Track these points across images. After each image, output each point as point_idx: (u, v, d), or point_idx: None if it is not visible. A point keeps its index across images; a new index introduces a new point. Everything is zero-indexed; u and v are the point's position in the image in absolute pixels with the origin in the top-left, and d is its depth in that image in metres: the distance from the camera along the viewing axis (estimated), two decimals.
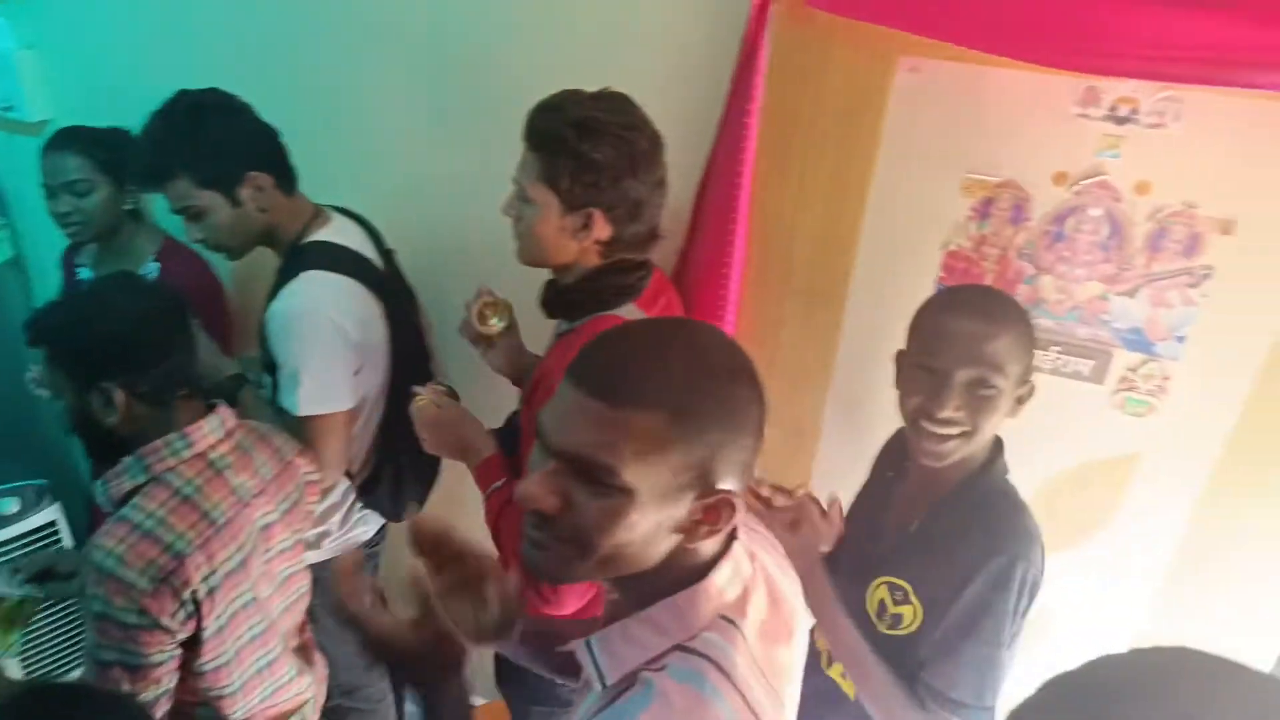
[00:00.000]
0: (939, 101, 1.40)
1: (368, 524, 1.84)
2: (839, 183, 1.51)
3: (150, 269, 1.98)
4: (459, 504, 2.01)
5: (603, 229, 1.26)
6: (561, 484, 0.73)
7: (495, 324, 1.51)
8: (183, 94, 1.48)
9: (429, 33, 1.72)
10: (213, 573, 1.25)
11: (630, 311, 1.33)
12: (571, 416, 0.72)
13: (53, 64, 2.20)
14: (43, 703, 0.87)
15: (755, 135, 1.41)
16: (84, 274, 2.07)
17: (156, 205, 2.10)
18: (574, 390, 0.72)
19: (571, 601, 1.28)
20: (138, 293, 1.27)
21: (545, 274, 1.38)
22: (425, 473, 1.84)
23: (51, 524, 2.25)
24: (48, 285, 2.46)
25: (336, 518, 1.76)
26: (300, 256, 1.55)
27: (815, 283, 1.59)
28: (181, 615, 1.22)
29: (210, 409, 1.32)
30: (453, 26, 1.70)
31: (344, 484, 1.74)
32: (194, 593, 1.22)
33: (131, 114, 1.97)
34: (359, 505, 1.80)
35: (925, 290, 1.46)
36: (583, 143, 1.20)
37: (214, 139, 1.47)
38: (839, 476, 1.46)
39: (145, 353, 1.23)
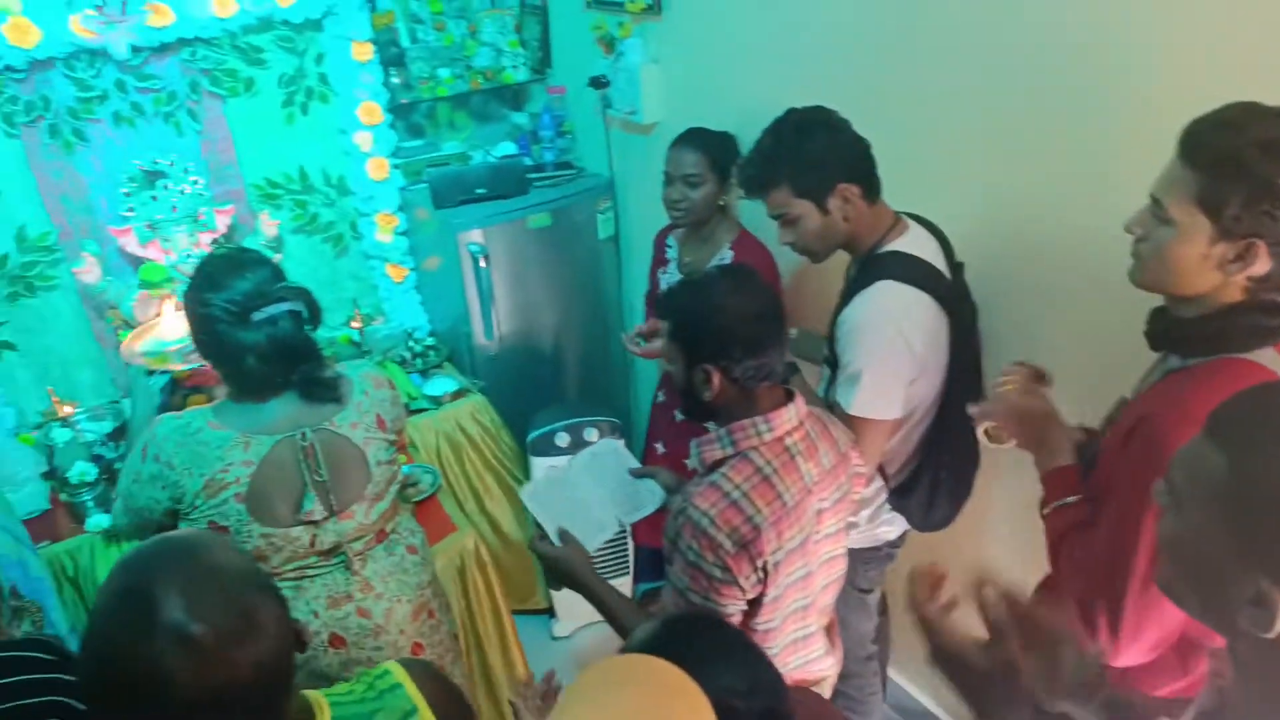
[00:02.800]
0: None
1: (892, 525, 1.89)
2: None
3: (725, 255, 2.25)
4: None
5: (1263, 263, 1.10)
6: None
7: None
8: (791, 112, 1.63)
9: (1014, 35, 1.65)
10: (779, 548, 1.39)
11: (1268, 357, 1.15)
12: None
13: (668, 76, 2.59)
14: (691, 627, 1.01)
15: None
16: (671, 253, 2.43)
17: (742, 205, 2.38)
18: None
19: (1139, 651, 1.17)
20: (754, 294, 1.41)
21: (1136, 299, 1.25)
22: (960, 490, 1.82)
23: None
24: (636, 259, 2.95)
25: (866, 512, 1.83)
26: (878, 265, 1.62)
27: None
28: (754, 579, 1.38)
29: (788, 397, 1.46)
30: (1038, 27, 1.60)
31: (878, 482, 1.80)
32: (764, 562, 1.37)
33: (726, 119, 2.26)
34: (888, 506, 1.85)
35: None
36: (1267, 166, 1.04)
37: (815, 154, 1.59)
38: None
39: (745, 348, 1.37)
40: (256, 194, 2.78)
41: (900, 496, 1.82)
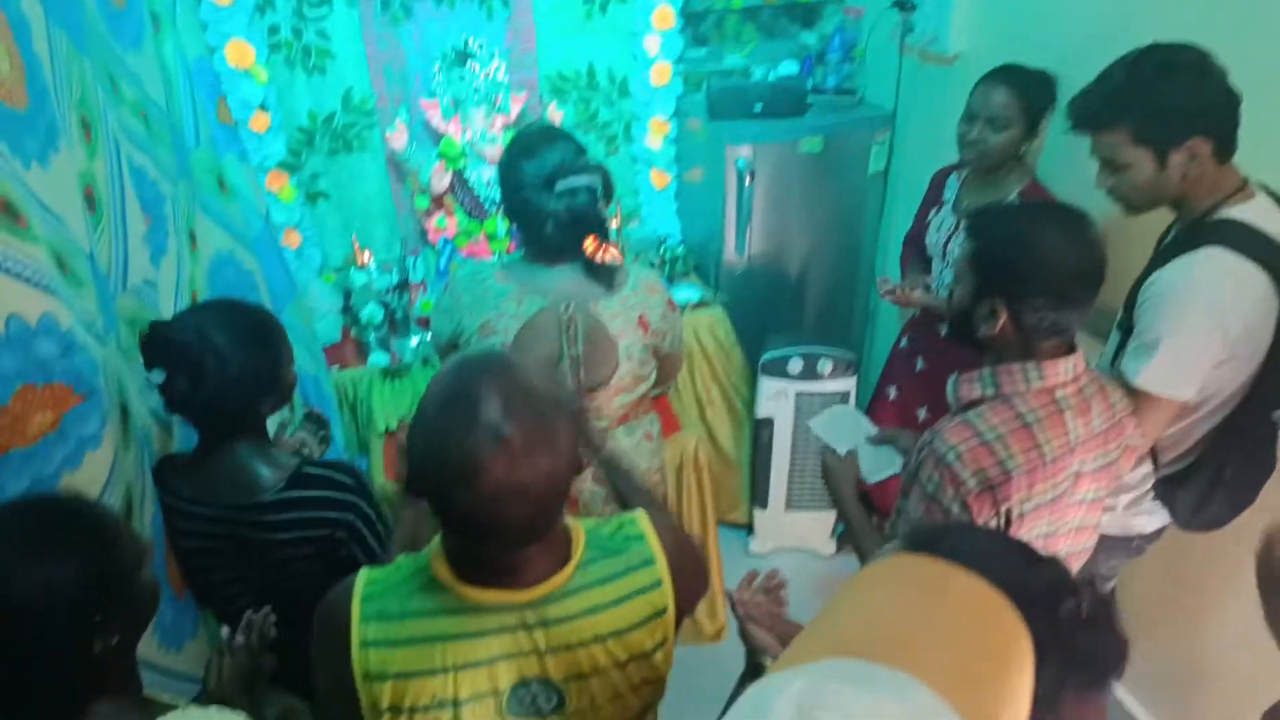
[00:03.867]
0: None
1: (1152, 516, 1.73)
2: None
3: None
4: None
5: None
6: None
7: None
8: (1156, 48, 1.43)
9: None
10: (1028, 499, 1.31)
11: None
12: None
13: (980, 3, 2.40)
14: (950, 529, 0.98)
15: None
16: (948, 194, 2.30)
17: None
18: None
19: None
20: (1083, 247, 1.28)
21: None
22: (1243, 495, 1.62)
23: (845, 393, 2.68)
24: (904, 197, 2.83)
25: (1125, 498, 1.69)
26: (1208, 230, 1.44)
27: None
28: (993, 524, 1.32)
29: (1070, 350, 1.35)
30: None
31: (1146, 467, 1.65)
32: (1008, 509, 1.31)
33: (1044, 57, 2.06)
34: (1151, 495, 1.70)
35: None
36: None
37: (1173, 101, 1.40)
38: None
39: (1051, 299, 1.26)
40: (547, 85, 2.92)
41: (1170, 487, 1.66)
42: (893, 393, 2.55)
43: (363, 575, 1.04)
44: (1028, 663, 0.61)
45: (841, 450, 1.65)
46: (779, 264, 2.92)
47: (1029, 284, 1.27)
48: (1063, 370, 1.32)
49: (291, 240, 2.66)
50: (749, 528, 2.98)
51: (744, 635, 1.26)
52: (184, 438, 1.56)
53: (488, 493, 0.87)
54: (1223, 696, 2.02)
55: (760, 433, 2.76)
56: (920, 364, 2.46)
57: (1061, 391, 1.33)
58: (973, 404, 1.36)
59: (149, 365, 1.27)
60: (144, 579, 1.05)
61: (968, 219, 1.41)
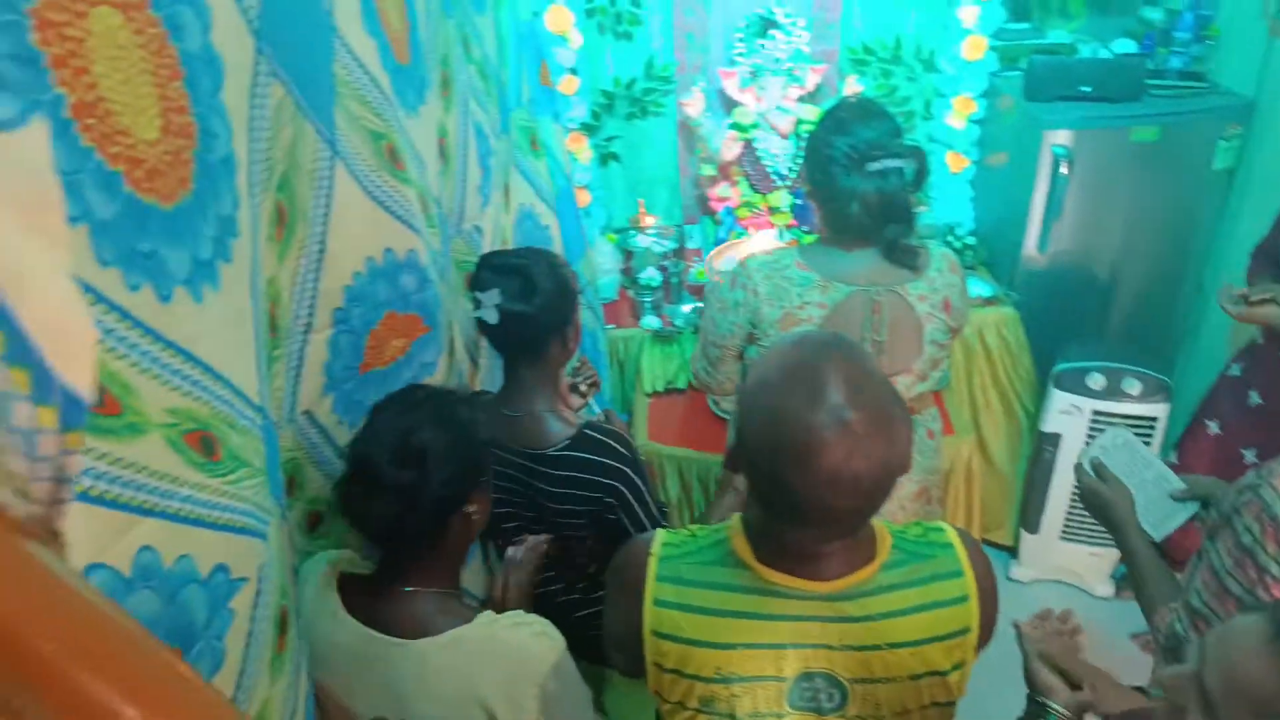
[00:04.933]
0: None
1: None
2: None
3: None
4: None
5: None
6: None
7: None
8: None
9: None
10: None
11: None
12: None
13: None
14: None
15: None
16: None
17: None
18: None
19: None
20: None
21: None
22: None
23: (1153, 419, 2.37)
24: (1255, 201, 2.44)
25: None
26: None
27: None
28: None
29: None
30: None
31: None
32: None
33: None
34: None
35: None
36: None
37: None
38: None
39: None
40: (848, 57, 2.82)
41: None
42: (1214, 427, 2.23)
43: (660, 535, 1.06)
44: None
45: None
46: (1087, 266, 2.63)
47: None
48: None
49: (581, 199, 2.79)
50: (1013, 550, 2.75)
51: (1028, 672, 1.15)
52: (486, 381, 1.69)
53: (821, 477, 0.84)
54: None
55: (1043, 449, 2.52)
56: (1254, 398, 2.12)
57: None
58: None
59: (482, 289, 1.37)
60: (492, 466, 1.21)
61: None
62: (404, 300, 1.20)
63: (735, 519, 1.03)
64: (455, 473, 1.07)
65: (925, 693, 0.99)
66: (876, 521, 1.02)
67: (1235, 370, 2.23)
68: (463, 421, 1.11)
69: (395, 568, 1.12)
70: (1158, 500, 1.41)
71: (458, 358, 1.47)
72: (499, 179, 1.85)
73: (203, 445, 0.72)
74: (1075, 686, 1.08)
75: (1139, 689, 1.13)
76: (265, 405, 0.84)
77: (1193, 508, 1.40)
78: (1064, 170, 2.43)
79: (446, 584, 1.14)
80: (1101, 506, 1.41)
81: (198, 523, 0.70)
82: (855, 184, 1.51)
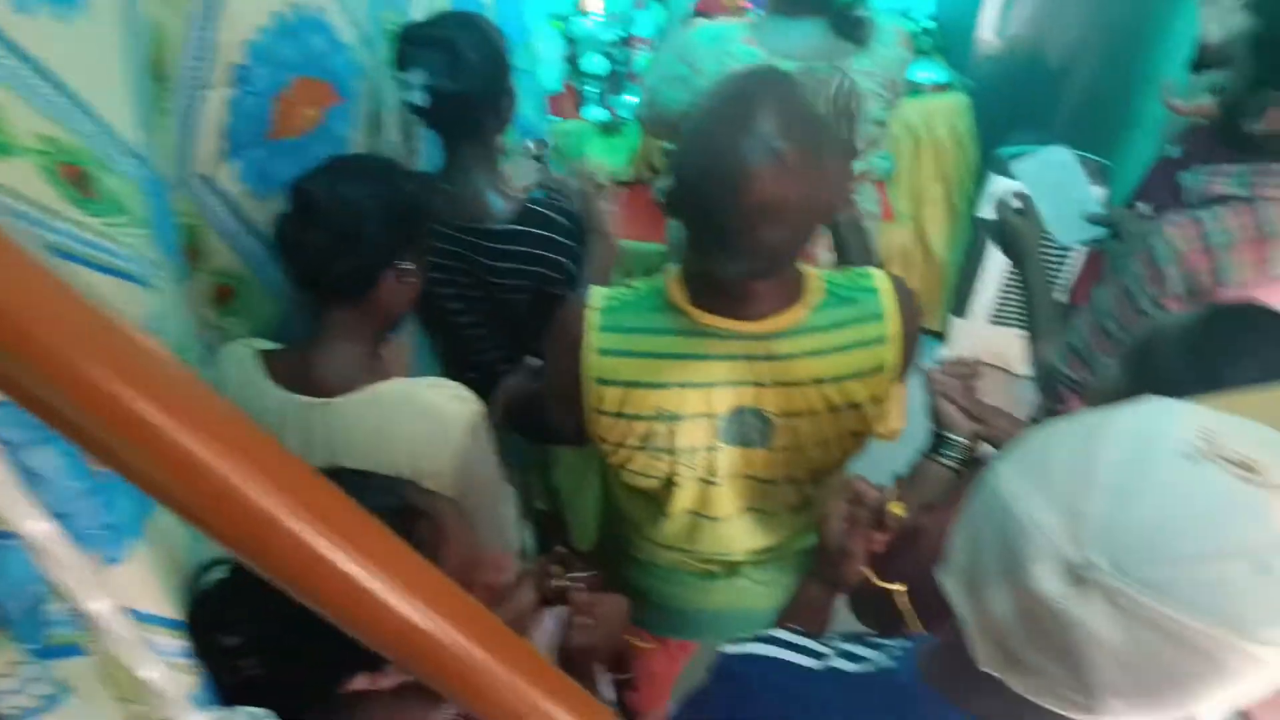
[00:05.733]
0: None
1: None
2: None
3: None
4: None
5: None
6: None
7: None
8: None
9: None
10: None
11: None
12: None
13: None
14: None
15: None
16: None
17: None
18: None
19: None
20: None
21: None
22: None
23: None
24: None
25: None
26: None
27: None
28: None
29: None
30: None
31: None
32: None
33: None
34: None
35: None
36: None
37: None
38: None
39: None
40: None
41: None
42: (1141, 207, 2.29)
43: (598, 290, 1.09)
44: None
45: (1044, 211, 1.46)
46: (1040, 51, 2.58)
47: None
48: None
49: None
50: (940, 335, 2.87)
51: (933, 409, 1.24)
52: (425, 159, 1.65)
53: (751, 205, 0.86)
54: None
55: (978, 235, 2.59)
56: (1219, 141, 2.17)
57: None
58: (1214, 200, 1.20)
59: (405, 67, 1.31)
60: (429, 233, 1.18)
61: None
62: (315, 65, 1.13)
63: (672, 267, 1.06)
64: (390, 223, 1.06)
65: (843, 423, 1.07)
66: (807, 265, 1.06)
67: (1174, 152, 2.26)
68: (399, 184, 1.10)
69: (321, 321, 1.11)
70: (1070, 216, 1.50)
71: (384, 136, 1.42)
72: None
73: (79, 181, 0.66)
74: (977, 421, 1.17)
75: (1034, 419, 1.24)
76: (146, 157, 0.78)
77: (1099, 231, 1.48)
78: None
79: (371, 344, 1.14)
80: (1011, 234, 1.48)
81: (79, 260, 0.65)
82: None
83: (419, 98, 1.29)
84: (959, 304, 2.76)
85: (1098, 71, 2.66)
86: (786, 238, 0.91)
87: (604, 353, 1.05)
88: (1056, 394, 1.34)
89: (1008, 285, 2.65)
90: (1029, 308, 1.47)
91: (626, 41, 2.70)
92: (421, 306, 1.60)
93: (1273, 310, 0.87)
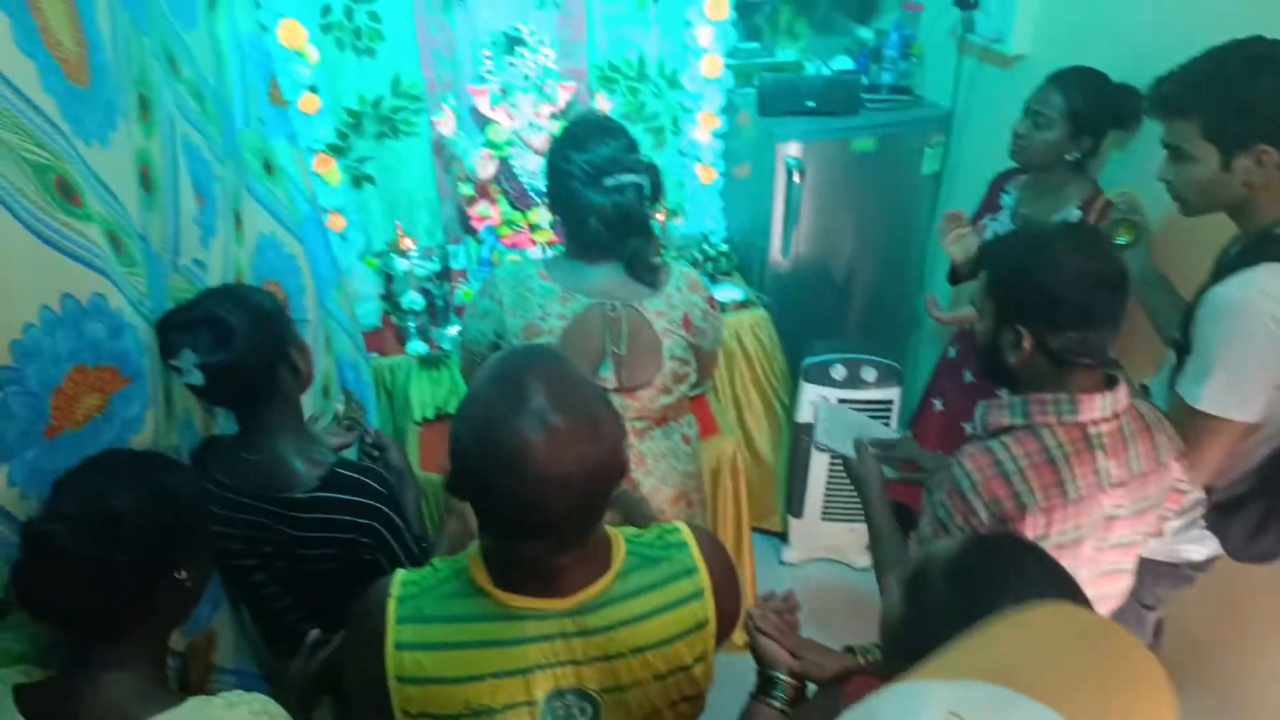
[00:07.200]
0: None
1: (1202, 545, 1.66)
2: None
3: (1071, 214, 2.02)
4: None
5: None
6: None
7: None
8: (1257, 41, 1.36)
9: None
10: (1045, 538, 1.25)
11: None
12: None
13: (1046, 2, 2.32)
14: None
15: None
16: (1006, 200, 2.23)
17: (1111, 162, 2.12)
18: None
19: None
20: (1097, 258, 1.23)
21: None
22: None
23: (889, 402, 2.63)
24: (958, 201, 2.76)
25: (1174, 523, 1.62)
26: (1272, 245, 1.38)
27: None
28: None
29: (1109, 384, 1.30)
30: None
31: (1197, 494, 1.59)
32: None
33: (1105, 60, 1.98)
34: (1202, 523, 1.64)
35: None
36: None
37: (1252, 99, 1.34)
38: None
39: (1072, 317, 1.22)
40: (596, 75, 2.89)
41: (1222, 515, 1.60)
42: (939, 404, 2.50)
43: (399, 576, 1.03)
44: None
45: (847, 452, 1.59)
46: (825, 266, 2.87)
47: (1048, 304, 1.22)
48: (1099, 406, 1.26)
49: (336, 224, 2.66)
50: (783, 536, 2.94)
51: (754, 649, 1.23)
52: (227, 424, 1.56)
53: (531, 480, 0.85)
54: None
55: (798, 440, 2.72)
56: (968, 376, 2.40)
57: (1096, 429, 1.27)
58: (1000, 432, 1.30)
59: (173, 353, 1.25)
60: (209, 525, 1.10)
61: (982, 250, 1.36)
62: (94, 351, 1.07)
63: (473, 547, 1.02)
64: (154, 539, 0.96)
65: (673, 689, 1.03)
66: (612, 529, 1.05)
67: (952, 353, 2.51)
68: (162, 481, 1.01)
69: (83, 656, 0.97)
70: (839, 429, 1.66)
71: (178, 409, 1.34)
72: (225, 207, 1.72)
73: None
74: (797, 659, 1.16)
75: (849, 648, 1.24)
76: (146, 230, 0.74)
77: (850, 445, 1.60)
78: (797, 179, 2.64)
79: (148, 665, 1.01)
80: (856, 480, 1.56)
81: None
82: (592, 199, 1.55)
83: (197, 376, 1.23)
84: (794, 505, 2.84)
85: (878, 278, 2.97)
86: (576, 506, 0.90)
87: (403, 646, 0.97)
88: None
89: (830, 484, 2.77)
90: (871, 540, 1.52)
91: (443, 275, 2.77)
92: (225, 579, 1.47)
93: (1025, 541, 0.92)
